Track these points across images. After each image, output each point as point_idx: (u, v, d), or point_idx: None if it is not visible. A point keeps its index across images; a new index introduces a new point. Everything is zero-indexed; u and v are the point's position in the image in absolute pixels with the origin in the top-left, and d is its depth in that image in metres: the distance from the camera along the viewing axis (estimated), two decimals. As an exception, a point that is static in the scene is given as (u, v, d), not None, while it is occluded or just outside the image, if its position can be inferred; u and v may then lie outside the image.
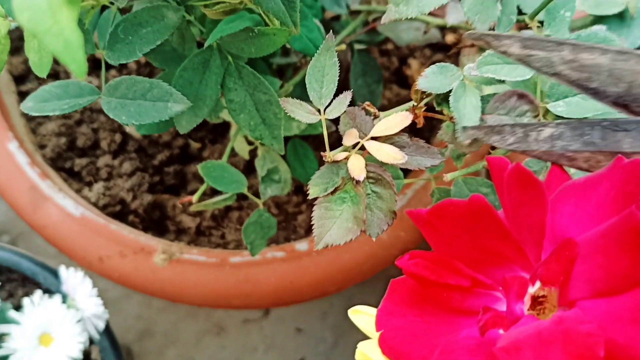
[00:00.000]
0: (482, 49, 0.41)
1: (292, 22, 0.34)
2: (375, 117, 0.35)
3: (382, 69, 0.61)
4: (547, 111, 0.33)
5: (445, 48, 0.62)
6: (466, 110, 0.34)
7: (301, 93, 0.51)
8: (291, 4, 0.33)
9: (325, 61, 0.35)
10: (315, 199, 0.59)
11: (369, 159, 0.34)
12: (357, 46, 0.54)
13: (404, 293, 0.26)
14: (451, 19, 0.42)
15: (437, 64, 0.34)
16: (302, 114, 0.35)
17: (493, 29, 0.35)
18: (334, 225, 0.33)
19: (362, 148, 0.34)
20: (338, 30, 0.50)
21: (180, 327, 0.72)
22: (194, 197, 0.44)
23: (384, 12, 0.48)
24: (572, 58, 0.27)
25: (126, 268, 0.53)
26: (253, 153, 0.55)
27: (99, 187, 0.57)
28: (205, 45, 0.36)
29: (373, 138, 0.33)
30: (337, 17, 0.56)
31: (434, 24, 0.47)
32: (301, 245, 0.54)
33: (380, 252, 0.54)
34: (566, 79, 0.27)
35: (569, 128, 0.28)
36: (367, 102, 0.35)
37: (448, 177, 0.35)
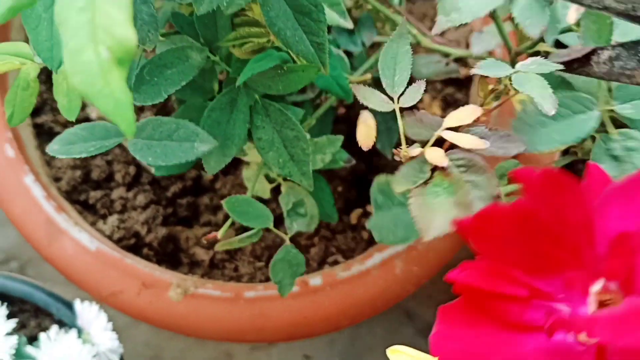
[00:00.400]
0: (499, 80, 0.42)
1: (321, 64, 0.34)
2: None
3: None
4: (613, 114, 0.34)
5: (456, 82, 0.62)
6: (539, 89, 0.33)
7: (320, 128, 0.52)
8: (321, 46, 0.34)
9: (397, 48, 0.35)
10: (332, 231, 0.59)
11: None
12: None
13: (456, 316, 0.26)
14: (476, 50, 0.42)
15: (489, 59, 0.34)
16: (375, 102, 0.34)
17: (542, 38, 0.35)
18: (436, 218, 0.31)
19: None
20: (355, 65, 0.50)
21: (188, 354, 0.72)
22: (220, 233, 0.44)
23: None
24: None
25: (141, 302, 0.53)
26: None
27: (113, 219, 0.57)
28: (237, 84, 0.36)
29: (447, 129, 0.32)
30: (348, 54, 0.56)
31: (455, 55, 0.47)
32: (315, 280, 0.54)
33: (394, 287, 0.54)
34: (614, 11, 0.30)
35: (625, 49, 0.31)
36: (423, 110, 0.35)
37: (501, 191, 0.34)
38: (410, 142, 0.35)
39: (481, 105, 0.34)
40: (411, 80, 0.63)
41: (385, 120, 0.54)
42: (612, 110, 0.34)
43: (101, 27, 0.20)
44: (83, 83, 0.20)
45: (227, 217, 0.60)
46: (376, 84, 0.55)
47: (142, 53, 0.38)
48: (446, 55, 0.47)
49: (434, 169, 0.32)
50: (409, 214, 0.38)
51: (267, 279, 0.55)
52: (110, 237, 0.56)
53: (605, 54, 0.31)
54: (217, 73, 0.40)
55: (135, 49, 0.21)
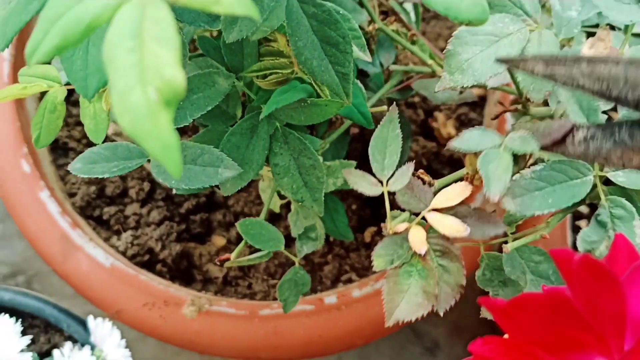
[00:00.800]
0: (521, 112, 0.42)
1: (345, 94, 0.34)
2: (430, 185, 0.35)
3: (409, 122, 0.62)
4: (606, 179, 0.34)
5: (471, 102, 0.63)
6: (496, 172, 0.33)
7: (336, 149, 0.52)
8: (345, 76, 0.34)
9: (388, 132, 0.35)
10: (346, 249, 0.59)
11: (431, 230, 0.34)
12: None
13: None
14: (491, 82, 0.42)
15: (477, 127, 0.35)
16: (364, 186, 0.35)
17: (546, 101, 0.35)
18: (403, 300, 0.33)
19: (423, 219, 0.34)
20: (373, 88, 0.51)
21: (195, 370, 0.71)
22: (233, 255, 0.44)
23: (419, 73, 0.49)
24: (590, 71, 0.29)
25: (155, 319, 0.53)
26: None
27: (127, 236, 0.57)
28: (262, 116, 0.36)
29: (433, 209, 0.34)
30: (364, 73, 0.56)
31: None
32: (330, 299, 0.54)
33: (409, 306, 0.54)
34: (589, 90, 0.29)
35: (600, 129, 0.30)
36: (421, 170, 0.36)
37: (509, 247, 0.35)
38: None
39: (470, 180, 0.35)
40: (425, 99, 0.63)
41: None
42: (604, 177, 0.34)
43: (150, 67, 0.20)
44: (131, 124, 0.20)
45: (240, 234, 0.60)
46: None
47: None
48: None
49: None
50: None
51: (281, 297, 0.55)
52: (124, 254, 0.56)
53: (579, 135, 0.30)
54: (240, 99, 0.40)
55: (184, 90, 0.21)
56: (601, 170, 0.34)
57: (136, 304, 0.53)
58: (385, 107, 0.45)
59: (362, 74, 0.56)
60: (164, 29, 0.21)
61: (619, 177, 0.33)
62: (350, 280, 0.58)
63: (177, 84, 0.20)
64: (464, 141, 0.34)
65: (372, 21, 0.45)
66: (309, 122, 0.37)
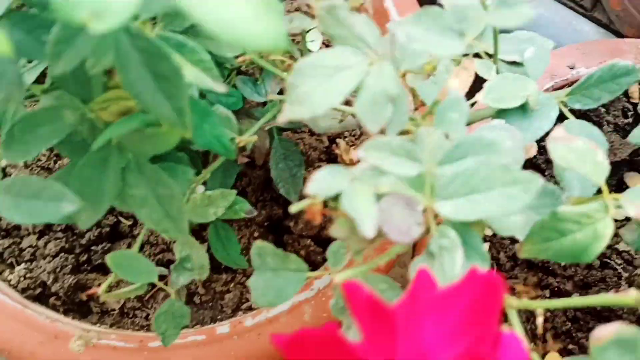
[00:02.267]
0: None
1: (184, 127, 0.34)
2: None
3: (311, 149, 0.62)
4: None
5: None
6: (361, 208, 0.34)
7: (222, 179, 0.52)
8: (181, 110, 0.34)
9: None
10: (248, 276, 0.59)
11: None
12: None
13: None
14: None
15: (327, 166, 0.35)
16: None
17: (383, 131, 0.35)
18: None
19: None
20: (258, 117, 0.51)
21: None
22: (100, 289, 0.44)
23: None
24: None
25: (43, 355, 0.51)
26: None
27: (20, 269, 0.56)
28: (97, 144, 0.36)
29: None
30: (263, 104, 0.56)
31: (349, 112, 0.47)
32: (223, 328, 0.53)
33: (304, 335, 0.54)
34: None
35: None
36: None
37: (337, 278, 0.35)
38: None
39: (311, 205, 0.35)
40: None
41: (290, 168, 0.54)
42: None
43: None
44: None
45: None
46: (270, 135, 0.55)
47: (16, 109, 0.38)
48: (342, 112, 0.48)
49: None
50: (279, 279, 0.38)
51: (178, 327, 0.54)
52: (15, 287, 0.55)
53: None
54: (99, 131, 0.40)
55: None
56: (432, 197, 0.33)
57: (24, 339, 0.52)
58: (255, 137, 0.45)
59: (248, 103, 0.56)
60: None
61: (446, 207, 0.32)
62: (250, 309, 0.57)
63: None
64: (317, 183, 0.34)
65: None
66: (157, 151, 0.37)
